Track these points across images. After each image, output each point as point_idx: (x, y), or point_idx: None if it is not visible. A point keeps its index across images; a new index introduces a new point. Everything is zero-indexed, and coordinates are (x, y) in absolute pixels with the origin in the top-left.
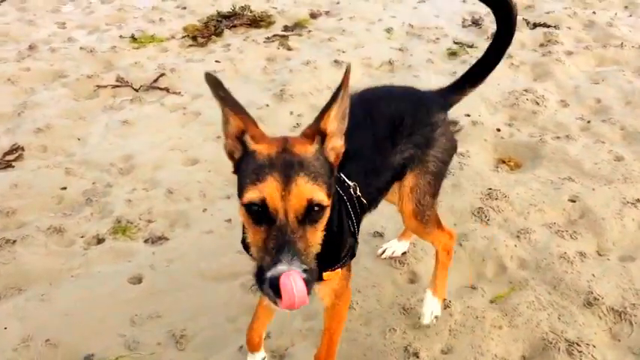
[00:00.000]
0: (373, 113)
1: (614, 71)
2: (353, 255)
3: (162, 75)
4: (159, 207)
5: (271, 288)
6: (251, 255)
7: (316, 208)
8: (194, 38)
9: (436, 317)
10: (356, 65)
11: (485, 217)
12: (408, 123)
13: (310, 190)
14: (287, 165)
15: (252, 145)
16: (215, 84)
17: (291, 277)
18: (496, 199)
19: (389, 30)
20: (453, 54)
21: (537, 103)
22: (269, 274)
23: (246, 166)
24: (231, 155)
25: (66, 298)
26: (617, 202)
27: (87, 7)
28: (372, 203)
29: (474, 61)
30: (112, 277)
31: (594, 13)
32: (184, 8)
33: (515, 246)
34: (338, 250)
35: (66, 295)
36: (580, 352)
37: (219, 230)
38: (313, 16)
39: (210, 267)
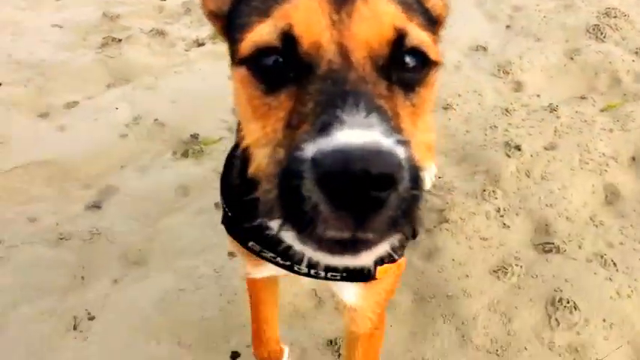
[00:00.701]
0: None
1: None
2: (415, 234)
3: None
4: None
5: (327, 179)
6: (236, 231)
7: (415, 50)
8: None
9: None
10: None
11: (602, 34)
12: None
13: (398, 15)
14: None
15: None
16: None
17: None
18: (615, 17)
19: None
20: None
21: None
22: (311, 150)
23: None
24: (215, 17)
25: (170, 89)
26: None
27: None
28: None
29: None
30: (213, 75)
31: None
32: None
33: (633, 61)
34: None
35: (170, 86)
36: None
37: None
38: None
39: None
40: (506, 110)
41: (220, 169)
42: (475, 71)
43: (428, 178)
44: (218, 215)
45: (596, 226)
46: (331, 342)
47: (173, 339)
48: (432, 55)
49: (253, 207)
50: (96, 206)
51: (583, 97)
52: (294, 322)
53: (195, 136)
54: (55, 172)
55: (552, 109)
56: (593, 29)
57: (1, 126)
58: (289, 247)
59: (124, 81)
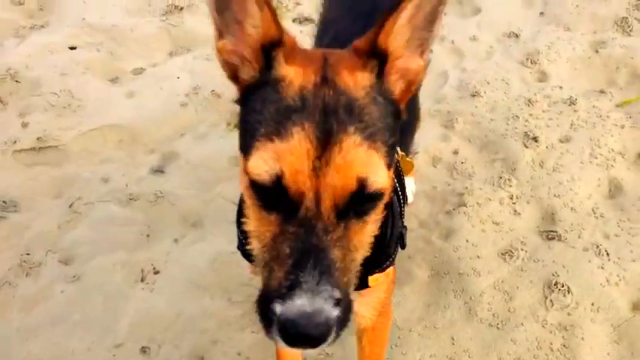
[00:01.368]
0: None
1: None
2: (403, 245)
3: None
4: None
5: (282, 334)
6: (252, 261)
7: (370, 195)
8: None
9: None
10: None
11: (629, 27)
12: None
13: (364, 160)
14: (327, 109)
15: (282, 68)
16: None
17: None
18: None
19: None
20: None
21: None
22: (280, 310)
23: (261, 104)
24: (232, 71)
25: None
26: None
27: None
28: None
29: None
30: None
31: None
32: None
33: None
34: (388, 241)
35: None
36: None
37: None
38: None
39: None
40: (529, 101)
41: None
42: (505, 59)
43: (410, 193)
44: None
45: (597, 218)
46: None
47: (224, 295)
48: (385, 187)
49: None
50: (159, 170)
51: (602, 92)
52: None
53: None
54: (124, 135)
55: (572, 102)
56: (621, 22)
57: (78, 89)
58: None
59: (185, 50)
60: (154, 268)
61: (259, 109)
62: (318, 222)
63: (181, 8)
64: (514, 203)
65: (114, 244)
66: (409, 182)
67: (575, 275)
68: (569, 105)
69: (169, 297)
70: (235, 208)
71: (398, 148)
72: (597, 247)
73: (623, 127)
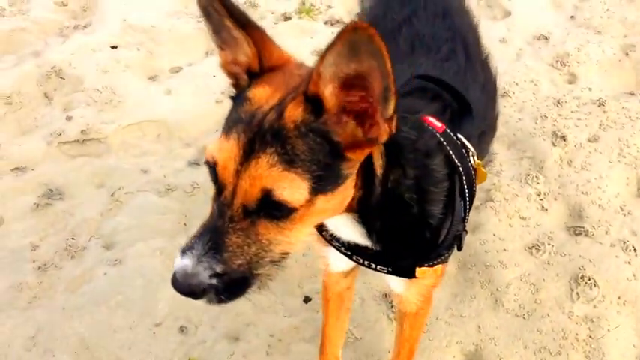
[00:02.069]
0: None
1: None
2: (460, 247)
3: None
4: None
5: (172, 282)
6: None
7: (275, 204)
8: None
9: None
10: None
11: None
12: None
13: (271, 178)
14: (261, 131)
15: (251, 91)
16: None
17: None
18: None
19: None
20: None
21: None
22: (175, 261)
23: (234, 108)
24: (235, 80)
25: None
26: None
27: None
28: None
29: None
30: (297, 48)
31: None
32: None
33: None
34: (438, 239)
35: None
36: None
37: None
38: None
39: None
40: (558, 101)
41: None
42: (534, 60)
43: None
44: None
45: (624, 215)
46: (386, 295)
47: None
48: (293, 205)
49: None
50: (196, 163)
51: (632, 93)
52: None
53: None
54: (162, 130)
55: (601, 103)
56: None
57: (118, 86)
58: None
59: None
60: None
61: (231, 112)
62: (228, 210)
63: None
64: (541, 200)
65: (153, 231)
66: None
67: (602, 269)
68: (599, 106)
69: None
70: None
71: (475, 157)
72: (624, 242)
73: None
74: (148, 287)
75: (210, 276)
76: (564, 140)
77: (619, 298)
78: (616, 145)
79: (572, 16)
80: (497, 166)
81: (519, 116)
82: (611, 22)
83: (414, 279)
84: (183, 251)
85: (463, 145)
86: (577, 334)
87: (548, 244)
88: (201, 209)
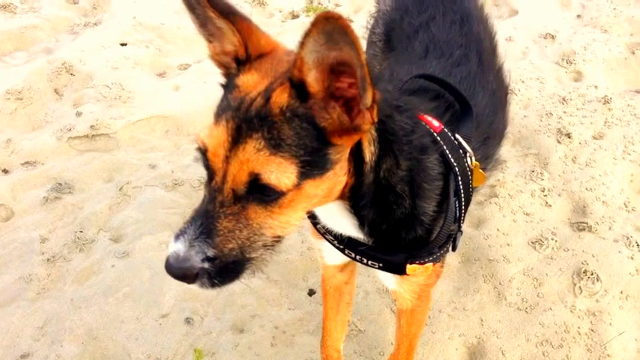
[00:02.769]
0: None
1: None
2: (454, 247)
3: None
4: None
5: (165, 266)
6: None
7: (263, 187)
8: None
9: None
10: None
11: None
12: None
13: (258, 162)
14: (248, 116)
15: (240, 78)
16: None
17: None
18: None
19: None
20: None
21: None
22: (169, 246)
23: (224, 95)
24: (226, 70)
25: None
26: None
27: None
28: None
29: None
30: None
31: None
32: None
33: None
34: (430, 237)
35: None
36: None
37: None
38: None
39: None
40: (564, 99)
41: None
42: (540, 59)
43: None
44: None
45: (628, 212)
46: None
47: (263, 274)
48: (281, 188)
49: None
50: None
51: (637, 91)
52: (360, 269)
53: None
54: (170, 126)
55: (606, 100)
56: None
57: (128, 82)
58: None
59: None
60: None
61: (221, 99)
62: (219, 195)
63: None
64: (545, 196)
65: (160, 224)
66: None
67: (605, 264)
68: (604, 103)
69: None
70: None
71: (473, 159)
72: (627, 238)
73: None
74: (155, 279)
75: (202, 260)
76: (569, 137)
77: (621, 292)
78: (621, 143)
79: (578, 15)
80: (502, 162)
81: (525, 113)
82: (617, 20)
83: (405, 276)
84: (177, 236)
85: (460, 146)
86: (579, 328)
87: (552, 240)
88: None
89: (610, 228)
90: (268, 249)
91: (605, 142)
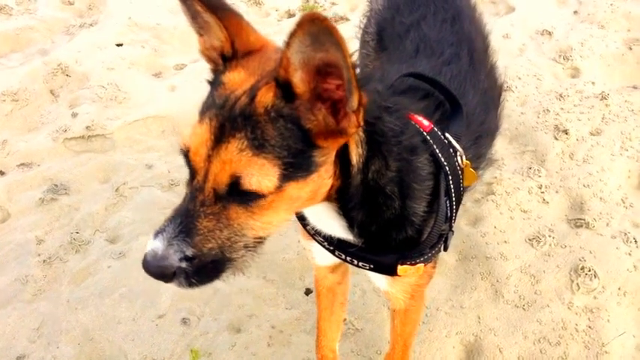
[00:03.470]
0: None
1: None
2: (445, 247)
3: None
4: None
5: (142, 264)
6: None
7: (243, 190)
8: None
9: None
10: None
11: None
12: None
13: (240, 163)
14: (232, 115)
15: (225, 75)
16: None
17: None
18: None
19: None
20: None
21: None
22: (147, 244)
23: (209, 93)
24: (215, 65)
25: None
26: None
27: None
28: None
29: None
30: None
31: None
32: None
33: None
34: (421, 237)
35: None
36: None
37: None
38: None
39: None
40: (561, 95)
41: None
42: (537, 55)
43: None
44: None
45: (626, 208)
46: None
47: (260, 274)
48: (262, 192)
49: None
50: None
51: (635, 87)
52: (355, 269)
53: None
54: (166, 126)
55: (603, 96)
56: None
57: (123, 83)
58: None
59: None
60: None
61: (207, 96)
62: (200, 195)
63: None
64: (543, 192)
65: (156, 225)
66: None
67: (603, 261)
68: (601, 100)
69: None
70: None
71: (463, 157)
72: (625, 234)
73: None
74: (151, 280)
75: (180, 259)
76: (566, 134)
77: (619, 289)
78: (618, 138)
79: (575, 11)
80: (499, 159)
81: (522, 110)
82: (614, 16)
83: (396, 277)
84: (156, 234)
85: (450, 145)
86: (577, 325)
87: (549, 236)
88: None
89: (608, 224)
90: (250, 250)
91: (602, 138)
